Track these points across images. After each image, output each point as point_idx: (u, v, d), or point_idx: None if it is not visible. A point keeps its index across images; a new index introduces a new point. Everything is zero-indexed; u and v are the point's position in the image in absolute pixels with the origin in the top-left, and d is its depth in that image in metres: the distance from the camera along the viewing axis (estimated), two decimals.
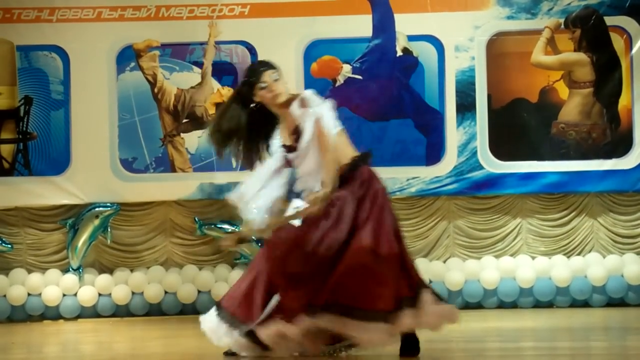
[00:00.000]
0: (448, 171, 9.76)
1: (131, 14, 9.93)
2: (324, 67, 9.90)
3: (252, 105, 5.07)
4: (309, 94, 5.02)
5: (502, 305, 9.74)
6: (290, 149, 5.03)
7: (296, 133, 4.98)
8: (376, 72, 9.86)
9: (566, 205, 9.75)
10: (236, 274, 9.77)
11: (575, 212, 9.77)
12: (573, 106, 9.68)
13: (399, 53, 9.86)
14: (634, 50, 9.72)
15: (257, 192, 5.01)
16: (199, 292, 9.81)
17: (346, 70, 9.89)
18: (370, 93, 9.87)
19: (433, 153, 9.77)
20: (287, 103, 4.99)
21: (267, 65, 5.07)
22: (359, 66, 9.88)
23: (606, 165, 9.68)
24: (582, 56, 9.74)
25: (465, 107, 9.74)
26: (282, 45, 9.84)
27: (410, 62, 9.85)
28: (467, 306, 9.67)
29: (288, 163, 5.08)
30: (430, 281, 9.69)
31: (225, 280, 9.78)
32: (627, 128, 9.72)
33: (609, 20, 9.72)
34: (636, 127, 9.70)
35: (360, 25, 9.84)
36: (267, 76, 5.01)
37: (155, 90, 9.97)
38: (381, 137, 9.83)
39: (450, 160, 9.75)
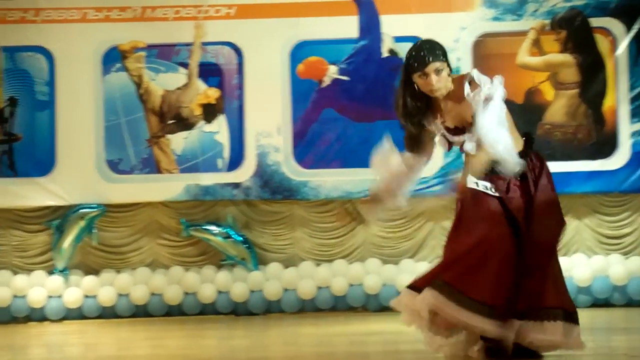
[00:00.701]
0: (434, 172, 9.76)
1: (117, 15, 9.91)
2: (311, 68, 9.90)
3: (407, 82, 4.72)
4: (478, 74, 4.69)
5: None
6: (456, 131, 4.81)
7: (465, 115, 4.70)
8: (362, 73, 9.86)
9: None
10: (222, 276, 9.77)
11: None
12: (558, 107, 9.70)
13: (385, 54, 9.87)
14: (619, 51, 9.75)
15: None
16: (186, 293, 9.78)
17: (332, 71, 9.89)
18: (356, 94, 9.88)
19: None
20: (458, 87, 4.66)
21: (435, 55, 4.60)
22: (345, 67, 9.88)
23: (591, 166, 9.71)
24: (567, 57, 9.77)
25: None
26: (269, 46, 9.84)
27: (396, 63, 9.84)
28: None
29: (449, 145, 4.92)
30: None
31: (211, 282, 9.76)
32: (612, 129, 9.75)
33: (594, 22, 9.75)
34: (621, 128, 9.74)
35: (347, 27, 9.84)
36: (431, 69, 4.57)
37: (141, 91, 9.94)
38: (367, 138, 9.81)
39: (436, 161, 9.74)
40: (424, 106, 4.78)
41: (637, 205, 9.83)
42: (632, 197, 9.83)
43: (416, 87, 4.69)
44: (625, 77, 9.73)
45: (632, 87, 9.73)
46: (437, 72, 4.59)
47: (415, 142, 4.92)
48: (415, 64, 4.60)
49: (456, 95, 4.67)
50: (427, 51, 4.60)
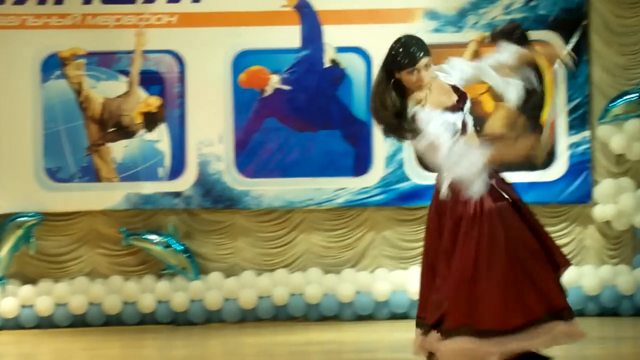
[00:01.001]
0: (375, 182, 9.82)
1: (57, 22, 9.81)
2: (253, 77, 9.89)
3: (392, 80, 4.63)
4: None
5: None
6: (454, 108, 4.74)
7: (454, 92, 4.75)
8: (304, 83, 9.89)
9: None
10: (162, 285, 9.70)
11: None
12: (498, 118, 9.80)
13: (327, 64, 9.91)
14: (557, 64, 9.88)
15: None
16: (125, 303, 9.69)
17: (274, 80, 9.90)
18: (298, 104, 9.90)
19: (360, 164, 9.82)
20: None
21: (424, 51, 4.63)
22: (287, 77, 9.90)
23: (530, 177, 9.82)
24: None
25: None
26: (211, 55, 9.82)
27: (338, 73, 9.90)
28: (394, 317, 9.72)
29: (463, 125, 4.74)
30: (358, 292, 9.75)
31: (151, 291, 9.68)
32: (550, 141, 9.89)
33: (533, 35, 9.71)
34: (559, 139, 9.88)
35: (289, 36, 9.86)
36: (422, 64, 4.60)
37: (81, 99, 9.85)
38: (309, 148, 9.85)
39: (377, 171, 9.81)
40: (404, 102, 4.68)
41: (575, 216, 9.97)
42: (570, 208, 9.97)
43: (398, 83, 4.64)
44: (562, 90, 9.87)
45: (569, 100, 9.88)
46: (427, 67, 4.63)
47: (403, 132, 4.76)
48: (405, 61, 4.58)
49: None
50: (416, 47, 4.62)
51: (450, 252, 4.52)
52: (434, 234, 4.66)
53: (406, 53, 4.60)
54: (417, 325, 4.58)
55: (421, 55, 4.61)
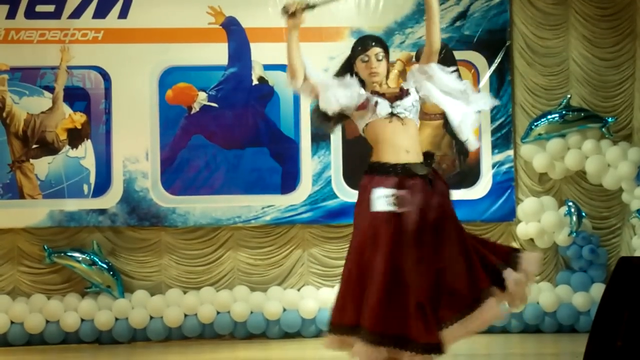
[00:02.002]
0: (303, 200, 9.84)
1: None
2: (180, 94, 9.85)
3: (350, 75, 4.98)
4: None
5: None
6: (391, 98, 4.93)
7: (404, 90, 4.97)
8: (232, 101, 9.88)
9: None
10: (86, 303, 9.57)
11: None
12: (424, 137, 9.89)
13: (255, 82, 9.92)
14: (481, 84, 10.05)
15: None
16: (47, 322, 9.53)
17: (201, 97, 9.87)
18: (225, 121, 9.88)
19: (288, 182, 9.84)
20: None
21: (379, 43, 4.97)
22: (214, 94, 9.88)
23: (455, 195, 9.87)
24: None
25: (320, 136, 9.85)
26: (137, 71, 9.76)
27: (266, 91, 9.91)
28: (321, 334, 9.72)
29: (365, 104, 4.91)
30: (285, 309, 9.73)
31: (75, 310, 9.54)
32: (475, 160, 10.02)
33: (458, 55, 10.03)
34: (483, 158, 10.01)
35: (216, 54, 9.85)
36: (373, 53, 4.93)
37: (4, 114, 9.70)
38: (236, 165, 9.84)
39: (305, 189, 9.84)
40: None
41: (499, 233, 10.10)
42: (494, 226, 10.10)
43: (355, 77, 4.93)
44: (487, 110, 10.01)
45: (493, 119, 10.03)
46: (378, 58, 4.90)
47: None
48: (359, 47, 4.94)
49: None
50: (371, 39, 4.99)
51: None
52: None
53: (360, 41, 5.00)
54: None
55: (373, 44, 4.94)
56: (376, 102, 4.90)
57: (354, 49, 5.00)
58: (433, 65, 5.03)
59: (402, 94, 4.96)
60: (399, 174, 4.83)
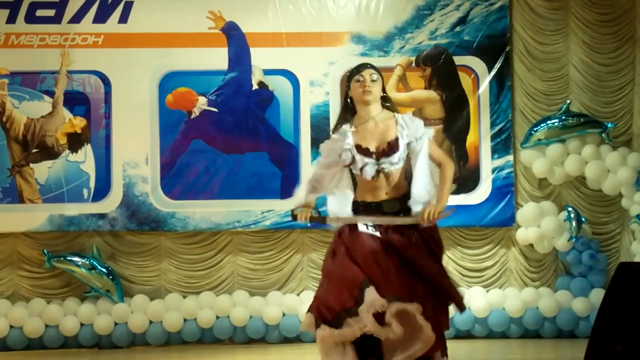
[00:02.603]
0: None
1: None
2: (180, 98, 9.85)
3: (347, 99, 5.20)
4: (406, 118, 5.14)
5: None
6: (365, 152, 5.06)
7: (393, 142, 5.03)
8: (232, 105, 9.88)
9: None
10: (86, 308, 9.57)
11: None
12: None
13: (255, 87, 9.92)
14: (481, 89, 10.06)
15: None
16: (47, 326, 9.53)
17: (201, 102, 9.87)
18: (225, 126, 9.88)
19: (288, 186, 9.82)
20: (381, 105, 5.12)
21: (374, 67, 5.16)
22: (214, 99, 9.88)
23: (454, 200, 9.93)
24: (432, 94, 10.01)
25: (320, 141, 9.70)
26: (137, 76, 9.76)
27: (265, 95, 9.92)
28: None
29: (351, 163, 5.10)
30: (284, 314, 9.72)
31: (74, 314, 9.54)
32: (474, 165, 10.02)
33: (458, 60, 10.04)
34: (483, 163, 10.02)
35: (216, 58, 9.86)
36: (367, 73, 5.09)
37: (4, 119, 9.71)
38: (236, 170, 9.84)
39: (304, 193, 9.80)
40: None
41: (499, 239, 10.11)
42: (493, 231, 10.10)
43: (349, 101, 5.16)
44: (487, 115, 10.03)
45: (493, 125, 10.03)
46: (372, 78, 5.07)
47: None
48: (354, 70, 5.12)
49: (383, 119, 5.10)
50: (367, 64, 5.18)
51: None
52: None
53: (356, 66, 5.17)
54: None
55: (368, 66, 5.14)
56: (362, 167, 5.05)
57: (349, 73, 5.17)
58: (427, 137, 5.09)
59: (391, 149, 5.05)
60: (373, 210, 5.06)
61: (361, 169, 5.05)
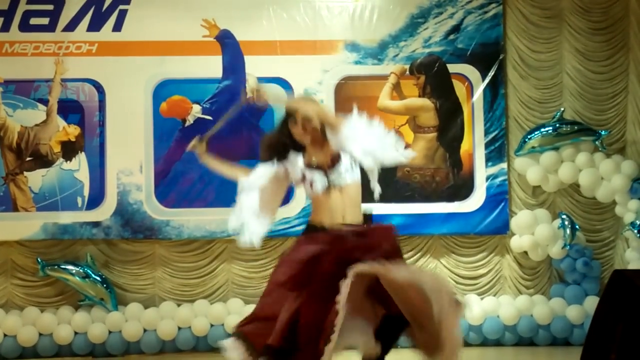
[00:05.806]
0: (296, 213, 9.83)
1: None
2: (174, 106, 9.86)
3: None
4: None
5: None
6: (325, 169, 5.09)
7: (336, 157, 5.08)
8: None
9: (411, 246, 9.93)
10: (80, 316, 9.55)
11: (420, 253, 9.98)
12: (417, 150, 9.90)
13: (249, 95, 9.91)
14: (475, 97, 10.07)
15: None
16: (40, 334, 9.51)
17: (196, 110, 9.88)
18: (220, 134, 9.80)
19: None
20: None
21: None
22: (208, 107, 9.89)
23: (449, 208, 9.95)
24: (426, 102, 10.03)
25: None
26: (131, 84, 9.76)
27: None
28: None
29: (302, 180, 5.18)
30: None
31: (68, 322, 9.52)
32: (468, 172, 10.03)
33: (452, 68, 10.06)
34: (477, 171, 10.03)
35: (210, 66, 9.87)
36: (300, 116, 5.15)
37: None
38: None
39: (298, 202, 9.82)
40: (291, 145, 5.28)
41: (492, 246, 10.12)
42: (487, 239, 10.11)
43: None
44: (480, 122, 10.04)
45: (487, 132, 10.05)
46: (305, 121, 5.13)
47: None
48: (289, 112, 5.23)
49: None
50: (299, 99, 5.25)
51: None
52: None
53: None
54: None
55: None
56: (311, 182, 5.11)
57: (285, 116, 5.33)
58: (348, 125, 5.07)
59: (334, 161, 5.08)
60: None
61: (311, 185, 5.08)
